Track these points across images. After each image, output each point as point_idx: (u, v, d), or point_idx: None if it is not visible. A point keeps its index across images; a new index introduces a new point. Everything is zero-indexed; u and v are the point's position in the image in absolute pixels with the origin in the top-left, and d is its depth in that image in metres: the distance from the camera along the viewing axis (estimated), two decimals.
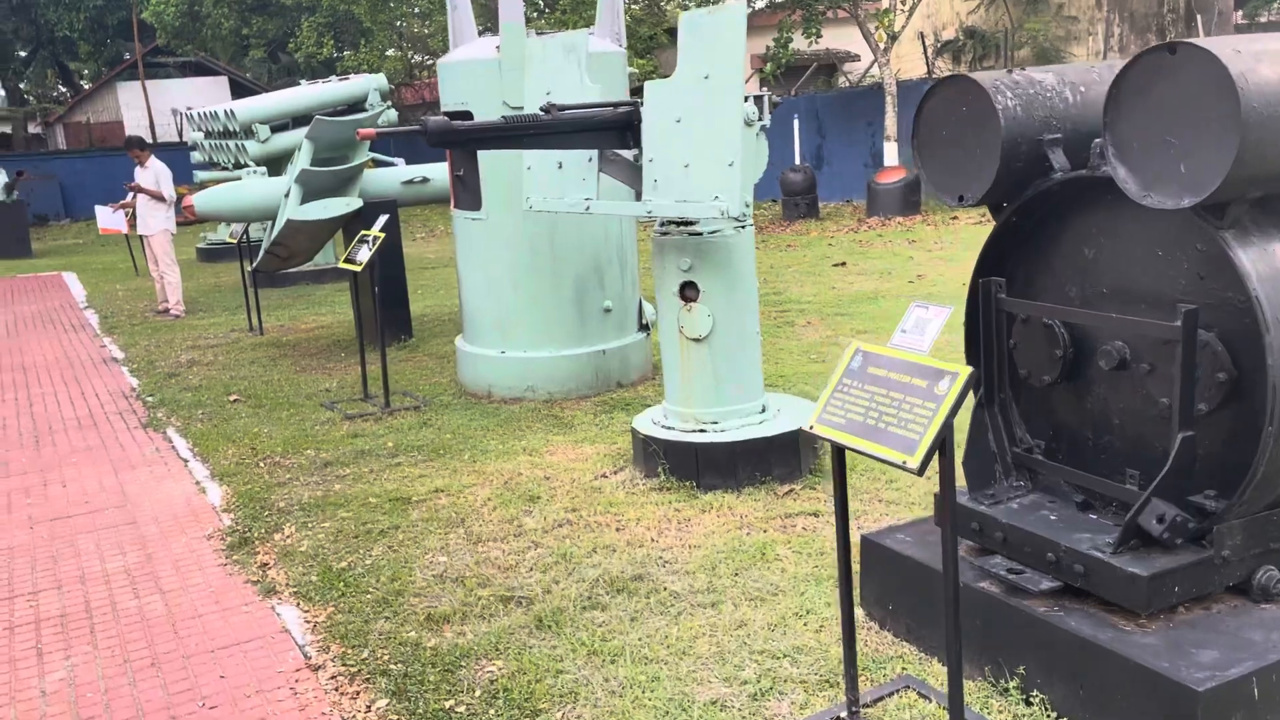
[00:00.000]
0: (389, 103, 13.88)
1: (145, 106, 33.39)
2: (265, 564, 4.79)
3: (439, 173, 9.89)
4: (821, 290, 11.01)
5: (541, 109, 4.87)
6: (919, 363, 2.80)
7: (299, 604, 4.35)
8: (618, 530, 4.84)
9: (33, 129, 38.11)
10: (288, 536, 5.08)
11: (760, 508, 4.97)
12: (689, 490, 5.23)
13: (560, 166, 5.51)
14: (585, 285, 7.31)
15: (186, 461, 6.52)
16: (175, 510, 5.64)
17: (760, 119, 5.09)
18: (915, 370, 2.78)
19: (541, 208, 5.67)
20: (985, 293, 3.55)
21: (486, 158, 7.10)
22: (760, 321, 9.28)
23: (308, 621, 4.17)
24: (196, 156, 16.30)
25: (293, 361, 9.25)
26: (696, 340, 5.33)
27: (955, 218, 16.85)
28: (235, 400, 7.94)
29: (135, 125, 32.23)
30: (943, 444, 2.64)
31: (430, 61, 32.96)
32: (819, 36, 19.55)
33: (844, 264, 12.72)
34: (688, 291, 5.33)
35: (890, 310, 9.70)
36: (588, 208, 5.33)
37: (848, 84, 26.40)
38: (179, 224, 13.87)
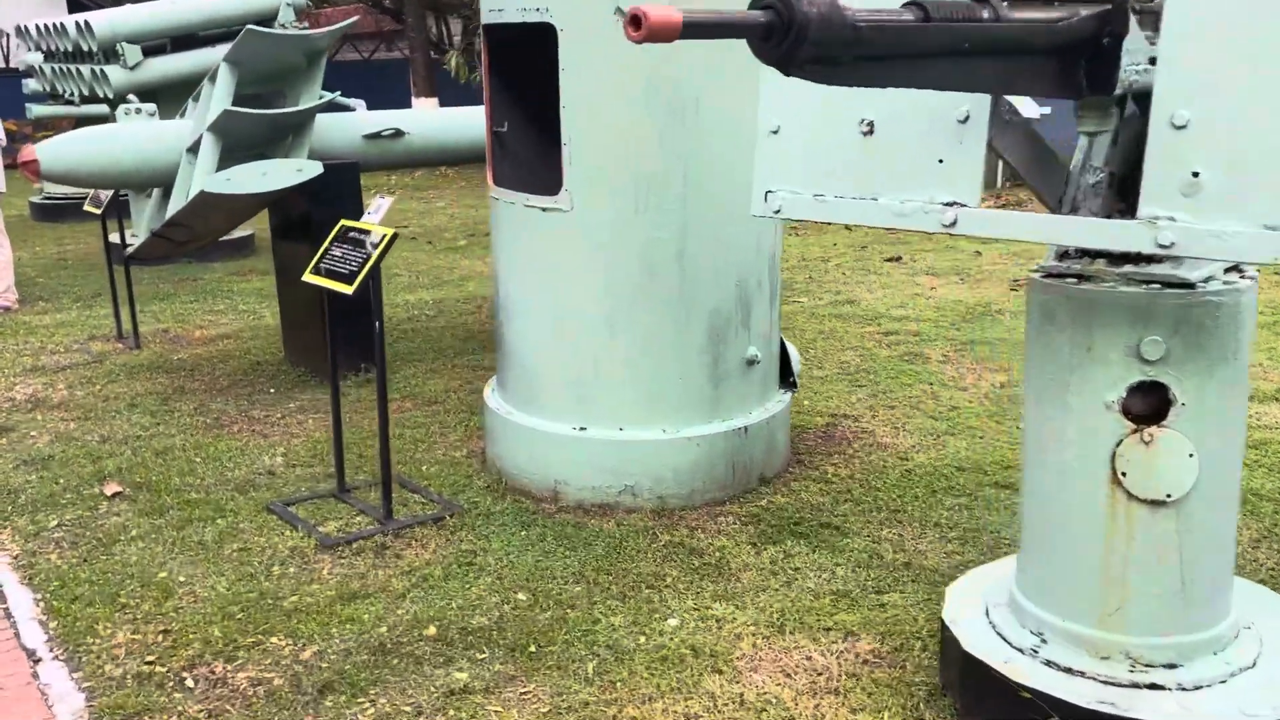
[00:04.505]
0: (305, 24, 10.52)
1: None
2: None
3: (416, 124, 6.80)
4: (902, 298, 8.39)
5: None
6: None
7: None
8: None
9: None
10: None
11: None
12: None
13: (870, 131, 2.65)
14: (725, 323, 4.47)
15: (37, 661, 3.43)
16: None
17: None
18: None
19: (805, 215, 2.80)
20: None
21: (575, 102, 4.15)
22: (871, 352, 6.62)
23: None
24: (32, 85, 12.47)
25: (196, 403, 6.06)
26: (1155, 503, 2.61)
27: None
28: (116, 494, 4.78)
29: None
30: None
31: None
32: None
33: (899, 259, 10.14)
34: (1141, 403, 2.59)
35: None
36: (955, 220, 2.51)
37: None
38: (7, 168, 10.26)
